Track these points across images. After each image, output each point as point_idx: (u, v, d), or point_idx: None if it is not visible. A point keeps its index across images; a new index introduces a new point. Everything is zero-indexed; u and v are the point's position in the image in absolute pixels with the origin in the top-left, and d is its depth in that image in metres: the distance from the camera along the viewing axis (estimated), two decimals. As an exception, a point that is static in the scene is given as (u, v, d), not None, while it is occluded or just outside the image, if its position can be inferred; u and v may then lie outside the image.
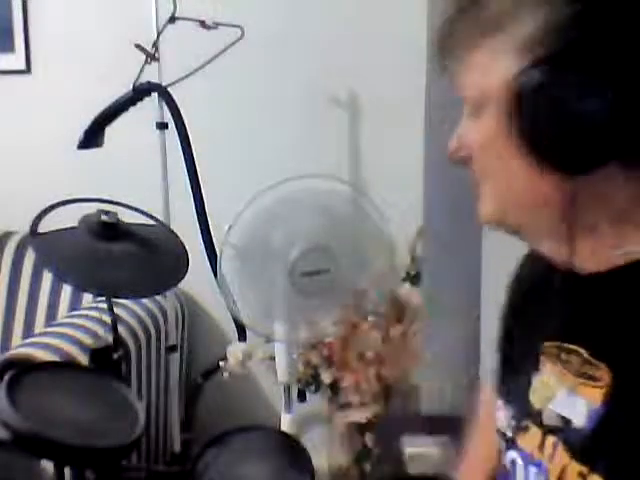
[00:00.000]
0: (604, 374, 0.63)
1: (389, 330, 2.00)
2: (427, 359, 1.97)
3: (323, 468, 2.13)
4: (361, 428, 2.03)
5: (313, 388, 2.03)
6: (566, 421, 0.66)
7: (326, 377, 1.99)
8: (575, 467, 0.63)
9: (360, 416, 1.98)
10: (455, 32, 0.67)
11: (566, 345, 0.69)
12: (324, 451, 2.14)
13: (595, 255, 0.67)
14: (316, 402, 2.06)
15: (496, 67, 0.64)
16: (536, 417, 0.71)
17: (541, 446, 0.69)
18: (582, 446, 0.64)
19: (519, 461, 0.73)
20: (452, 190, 1.89)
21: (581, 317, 0.69)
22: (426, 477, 1.66)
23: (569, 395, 0.67)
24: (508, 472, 0.76)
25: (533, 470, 0.70)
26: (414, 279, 2.13)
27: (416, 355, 2.00)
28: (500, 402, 0.79)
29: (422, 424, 1.87)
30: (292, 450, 1.49)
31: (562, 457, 0.65)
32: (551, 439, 0.68)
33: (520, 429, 0.73)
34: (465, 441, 1.01)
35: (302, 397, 1.97)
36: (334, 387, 2.02)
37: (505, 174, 0.66)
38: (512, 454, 0.74)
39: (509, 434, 0.75)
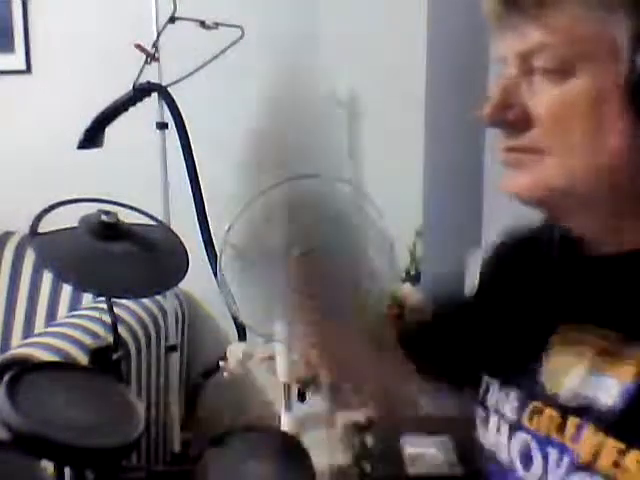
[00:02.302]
0: (634, 352, 0.63)
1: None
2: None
3: (323, 468, 2.13)
4: (361, 428, 2.03)
5: (313, 388, 2.03)
6: (591, 401, 0.65)
7: (326, 377, 1.99)
8: (612, 444, 0.62)
9: (360, 416, 1.98)
10: None
11: (585, 326, 0.68)
12: (324, 451, 2.14)
13: (629, 235, 0.66)
14: (316, 402, 2.06)
15: (604, 23, 0.59)
16: (551, 399, 0.69)
17: (561, 428, 0.68)
18: (617, 424, 0.63)
19: (533, 443, 0.71)
20: (452, 190, 1.89)
21: (605, 297, 0.67)
22: (426, 477, 1.66)
23: (592, 375, 0.66)
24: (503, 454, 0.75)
25: (553, 451, 0.68)
26: (414, 279, 2.13)
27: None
28: (495, 383, 0.78)
29: (422, 424, 1.86)
30: (292, 450, 1.49)
31: (592, 437, 0.64)
32: (574, 420, 0.66)
33: (529, 411, 0.72)
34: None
35: (302, 397, 1.97)
36: (334, 387, 2.02)
37: (598, 135, 0.61)
38: (521, 436, 0.73)
39: (511, 416, 0.74)
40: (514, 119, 0.65)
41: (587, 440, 0.65)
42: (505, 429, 0.75)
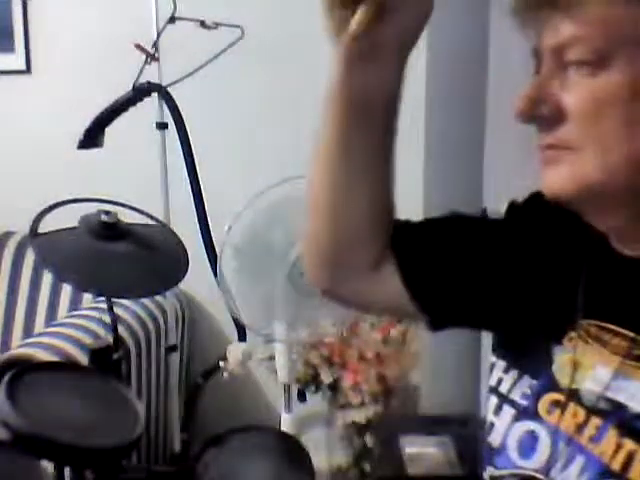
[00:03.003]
0: None
1: (389, 330, 2.00)
2: (427, 359, 1.97)
3: (323, 468, 2.13)
4: (361, 428, 2.03)
5: (313, 388, 2.03)
6: (617, 405, 0.64)
7: (326, 377, 1.99)
8: None
9: (360, 416, 1.98)
10: None
11: (609, 326, 0.67)
12: (324, 451, 2.14)
13: None
14: (316, 402, 2.06)
15: (639, 12, 0.59)
16: (572, 396, 0.67)
17: (581, 426, 0.66)
18: None
19: (543, 435, 0.69)
20: (452, 191, 1.89)
21: (635, 300, 0.66)
22: (426, 477, 1.66)
23: (620, 379, 0.64)
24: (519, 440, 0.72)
25: (567, 449, 0.66)
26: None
27: (416, 355, 2.00)
28: (502, 363, 0.76)
29: (422, 424, 1.87)
30: (292, 450, 1.49)
31: (619, 443, 0.63)
32: (595, 421, 0.65)
33: (548, 403, 0.69)
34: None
35: (302, 397, 1.97)
36: (334, 387, 2.02)
37: (633, 127, 0.60)
38: (529, 424, 0.70)
39: (522, 402, 0.72)
40: (548, 114, 0.63)
41: (608, 445, 0.63)
42: (509, 413, 0.73)
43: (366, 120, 0.72)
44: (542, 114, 0.64)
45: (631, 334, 0.65)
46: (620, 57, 0.60)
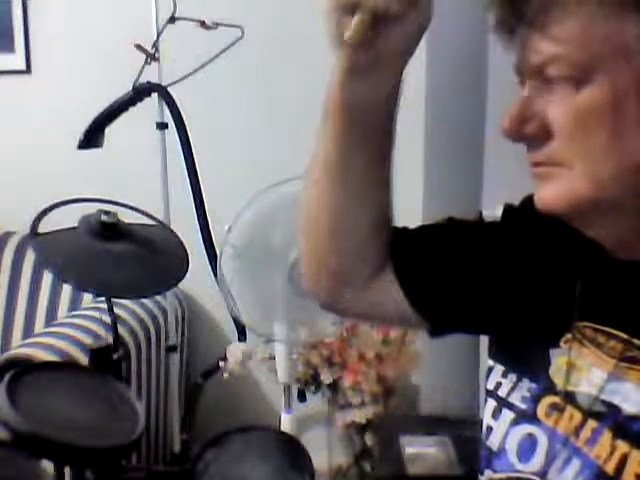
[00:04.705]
0: None
1: (389, 330, 2.00)
2: (427, 359, 1.97)
3: (323, 468, 2.13)
4: (361, 428, 2.03)
5: (313, 388, 2.03)
6: (612, 407, 0.64)
7: (326, 377, 1.99)
8: (638, 456, 0.61)
9: (360, 416, 1.98)
10: None
11: (606, 329, 0.67)
12: (324, 451, 2.14)
13: None
14: (316, 402, 2.06)
15: (614, 22, 0.59)
16: (569, 398, 0.67)
17: (578, 429, 0.66)
18: None
19: (542, 438, 0.69)
20: (452, 191, 1.89)
21: (631, 303, 0.66)
22: (426, 477, 1.66)
23: (614, 381, 0.65)
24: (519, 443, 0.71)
25: (565, 452, 0.66)
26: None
27: (416, 355, 2.00)
28: (500, 367, 0.76)
29: (422, 424, 1.87)
30: (292, 450, 1.49)
31: (613, 445, 0.63)
32: (591, 423, 0.65)
33: (546, 406, 0.69)
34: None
35: (302, 397, 1.97)
36: (334, 387, 2.02)
37: (620, 138, 0.60)
38: (528, 427, 0.70)
39: (521, 406, 0.72)
40: (534, 133, 0.63)
41: (603, 447, 0.63)
42: (508, 416, 0.73)
43: (365, 130, 0.72)
44: (528, 133, 0.64)
45: (625, 336, 0.65)
46: (601, 70, 0.60)
